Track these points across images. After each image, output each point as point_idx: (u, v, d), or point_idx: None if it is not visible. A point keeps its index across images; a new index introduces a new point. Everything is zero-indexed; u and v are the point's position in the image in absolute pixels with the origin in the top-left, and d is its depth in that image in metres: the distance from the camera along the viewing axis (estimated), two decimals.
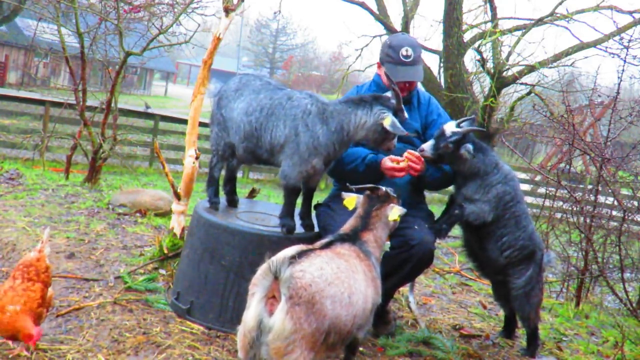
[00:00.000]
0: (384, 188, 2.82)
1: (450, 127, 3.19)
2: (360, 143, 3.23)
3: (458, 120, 3.27)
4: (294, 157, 3.00)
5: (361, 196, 2.82)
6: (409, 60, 3.33)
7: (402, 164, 3.14)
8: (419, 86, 3.73)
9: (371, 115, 2.90)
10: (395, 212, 2.77)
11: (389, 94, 2.99)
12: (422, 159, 3.18)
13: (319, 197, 3.45)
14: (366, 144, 3.10)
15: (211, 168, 3.47)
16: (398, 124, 2.86)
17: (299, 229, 3.27)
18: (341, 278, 2.31)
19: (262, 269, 2.15)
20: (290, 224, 3.15)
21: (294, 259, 2.22)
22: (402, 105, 2.94)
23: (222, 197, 3.60)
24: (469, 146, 3.14)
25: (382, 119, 2.87)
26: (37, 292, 2.66)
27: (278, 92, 3.14)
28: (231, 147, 3.32)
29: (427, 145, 3.18)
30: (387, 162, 3.16)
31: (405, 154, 3.18)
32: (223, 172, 3.59)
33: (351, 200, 2.83)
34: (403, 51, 3.32)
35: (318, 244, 2.53)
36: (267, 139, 3.09)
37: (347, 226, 2.76)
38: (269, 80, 3.30)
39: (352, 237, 2.65)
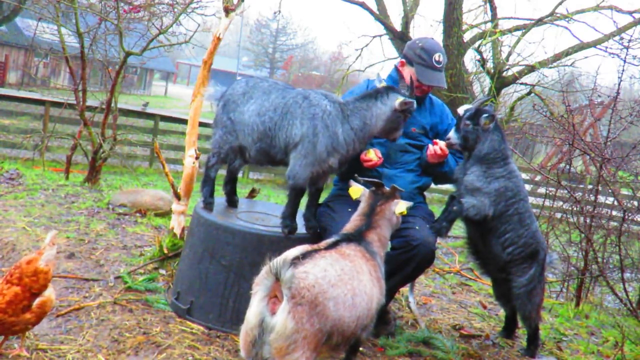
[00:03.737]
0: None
1: (463, 108, 3.32)
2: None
3: (473, 102, 3.39)
4: (309, 157, 3.01)
5: (367, 190, 2.81)
6: (439, 66, 3.43)
7: (373, 161, 3.28)
8: None
9: (387, 103, 3.01)
10: (401, 206, 2.78)
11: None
12: (446, 150, 3.36)
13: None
14: (379, 135, 3.17)
15: (208, 168, 3.46)
16: (408, 99, 2.98)
17: (301, 230, 3.27)
18: (345, 280, 2.32)
19: (264, 269, 2.16)
20: (292, 225, 3.15)
21: (297, 259, 2.22)
22: (414, 98, 3.03)
23: (219, 198, 3.60)
24: (486, 114, 3.23)
25: (395, 100, 2.98)
26: (5, 296, 2.49)
27: (290, 92, 3.17)
28: (236, 151, 3.33)
29: (451, 134, 3.31)
30: (362, 154, 3.27)
31: (433, 146, 3.37)
32: (222, 173, 3.59)
33: (357, 190, 2.83)
34: (436, 56, 3.41)
35: (323, 243, 2.53)
36: (282, 137, 3.10)
37: (351, 225, 2.75)
38: (276, 81, 3.34)
39: (357, 237, 2.65)
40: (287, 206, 3.19)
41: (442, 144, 3.35)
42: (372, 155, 3.23)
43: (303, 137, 3.02)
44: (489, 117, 3.22)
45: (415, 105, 3.05)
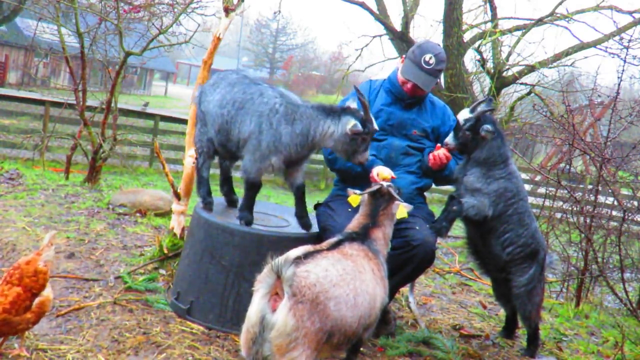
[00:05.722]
0: (385, 184, 2.82)
1: (463, 115, 3.25)
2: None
3: (473, 104, 3.31)
4: (255, 153, 3.04)
5: (366, 196, 2.82)
6: (427, 67, 3.34)
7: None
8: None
9: (339, 125, 2.91)
10: (402, 210, 2.78)
11: (357, 109, 2.95)
12: (449, 156, 3.33)
13: (319, 197, 3.45)
14: (338, 154, 3.09)
15: (199, 169, 3.47)
16: (360, 127, 2.85)
17: (301, 230, 3.28)
18: (347, 280, 2.32)
19: (266, 267, 2.17)
20: (248, 217, 3.18)
21: (299, 259, 2.23)
22: (371, 117, 2.94)
23: (219, 198, 3.60)
24: (488, 126, 3.18)
25: (347, 124, 2.88)
26: (8, 297, 2.52)
27: (252, 87, 3.16)
28: (213, 141, 3.34)
29: (449, 139, 3.29)
30: (373, 171, 3.18)
31: (435, 152, 3.34)
32: (217, 172, 3.59)
33: (355, 198, 2.83)
34: (427, 57, 3.33)
35: (326, 244, 2.53)
36: (235, 132, 3.13)
37: (354, 224, 2.76)
38: (246, 74, 3.32)
39: (362, 236, 2.65)
40: (243, 199, 3.24)
41: (444, 150, 3.33)
42: (384, 175, 3.14)
43: (251, 134, 3.04)
44: (489, 132, 3.18)
45: (373, 126, 2.89)
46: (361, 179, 3.29)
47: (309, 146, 3.02)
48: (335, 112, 2.96)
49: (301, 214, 3.28)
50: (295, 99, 3.09)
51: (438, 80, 3.46)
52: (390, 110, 3.47)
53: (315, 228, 3.35)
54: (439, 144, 3.40)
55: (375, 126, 2.95)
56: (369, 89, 3.57)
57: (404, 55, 3.54)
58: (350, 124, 2.86)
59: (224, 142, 3.23)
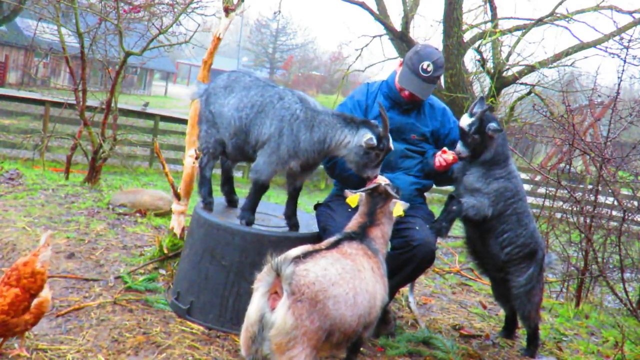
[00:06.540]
0: (383, 183, 2.82)
1: (465, 121, 3.21)
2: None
3: (469, 108, 3.27)
4: (272, 156, 3.06)
5: (363, 194, 2.83)
6: (425, 75, 3.30)
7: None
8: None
9: (355, 136, 2.94)
10: (399, 207, 2.79)
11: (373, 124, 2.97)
12: (455, 157, 3.27)
13: (319, 197, 3.45)
14: (349, 165, 3.08)
15: (202, 168, 3.46)
16: (375, 141, 2.87)
17: (301, 230, 3.27)
18: (346, 279, 2.32)
19: (266, 267, 2.17)
20: (250, 218, 3.19)
21: (298, 258, 2.24)
22: (389, 135, 2.94)
23: (219, 198, 3.61)
24: (493, 124, 3.15)
25: (363, 136, 2.90)
26: (6, 298, 2.52)
27: (269, 90, 3.17)
28: (222, 143, 3.34)
29: (459, 148, 3.24)
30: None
31: (442, 154, 3.30)
32: (217, 172, 3.59)
33: (354, 198, 2.84)
34: (424, 64, 3.28)
35: (325, 243, 2.54)
36: (254, 134, 3.14)
37: (353, 223, 2.77)
38: (258, 77, 3.33)
39: (360, 235, 2.66)
40: (247, 199, 3.23)
41: (450, 153, 3.29)
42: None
43: (270, 136, 3.06)
44: (496, 130, 3.15)
45: (389, 145, 2.92)
46: (360, 186, 3.29)
47: (325, 153, 3.06)
48: (354, 123, 2.97)
49: (290, 214, 3.29)
50: (315, 105, 3.09)
51: (436, 85, 3.43)
52: (389, 115, 3.44)
53: (315, 228, 3.35)
54: (445, 148, 3.34)
55: (391, 145, 2.97)
56: (366, 92, 3.54)
57: (401, 60, 3.49)
58: (367, 137, 2.88)
59: (241, 144, 3.22)
